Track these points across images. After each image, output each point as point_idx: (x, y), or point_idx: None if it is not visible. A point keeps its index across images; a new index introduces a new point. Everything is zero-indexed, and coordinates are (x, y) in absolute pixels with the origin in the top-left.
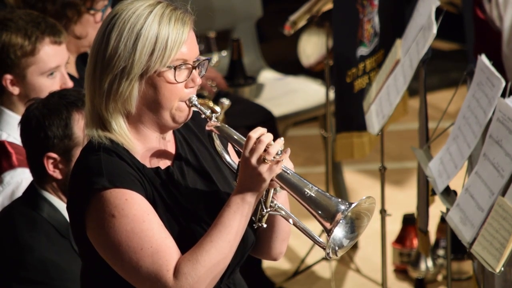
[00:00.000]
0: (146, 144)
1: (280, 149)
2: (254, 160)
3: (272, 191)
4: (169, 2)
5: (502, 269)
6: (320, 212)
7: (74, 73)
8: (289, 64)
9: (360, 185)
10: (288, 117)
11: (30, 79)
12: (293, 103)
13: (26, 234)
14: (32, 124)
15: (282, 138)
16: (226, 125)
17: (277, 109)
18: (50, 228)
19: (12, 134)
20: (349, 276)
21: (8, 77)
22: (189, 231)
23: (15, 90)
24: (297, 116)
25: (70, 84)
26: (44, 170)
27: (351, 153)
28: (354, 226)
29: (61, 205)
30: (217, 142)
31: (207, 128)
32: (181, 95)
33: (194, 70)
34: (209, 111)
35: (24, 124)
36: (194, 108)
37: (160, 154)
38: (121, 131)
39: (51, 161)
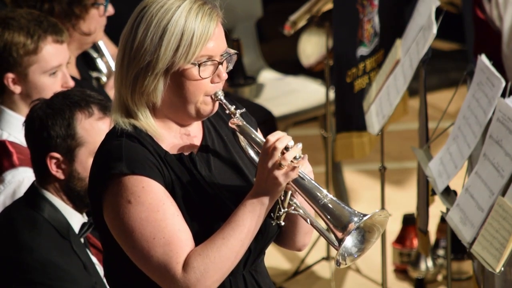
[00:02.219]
0: (172, 133)
1: (298, 154)
2: (270, 164)
3: (290, 192)
4: None
5: (502, 269)
6: (332, 220)
7: (76, 74)
8: (289, 64)
9: (360, 185)
10: (288, 117)
11: (32, 78)
12: (293, 103)
13: (26, 234)
14: (36, 124)
15: (300, 144)
16: (247, 125)
17: (277, 109)
18: (51, 228)
19: (13, 134)
20: (349, 276)
21: (10, 75)
22: (209, 218)
23: (17, 89)
24: (297, 116)
25: (71, 83)
26: (47, 170)
27: (351, 153)
28: (364, 238)
29: (62, 206)
30: (241, 137)
31: (230, 125)
32: (206, 90)
33: (220, 66)
34: (234, 106)
35: (28, 125)
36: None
37: (186, 142)
38: (147, 120)
39: (54, 161)
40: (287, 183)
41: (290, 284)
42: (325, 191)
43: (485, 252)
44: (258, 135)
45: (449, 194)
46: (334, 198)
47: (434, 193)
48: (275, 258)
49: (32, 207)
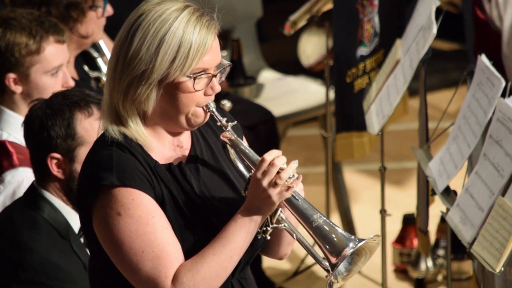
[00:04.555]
0: (161, 142)
1: (293, 173)
2: (265, 183)
3: (280, 209)
4: (196, 7)
5: (502, 269)
6: (326, 244)
7: (74, 75)
8: (289, 64)
9: (360, 185)
10: (288, 117)
11: (33, 78)
12: (293, 103)
13: (26, 234)
14: (35, 125)
15: (296, 162)
16: (240, 140)
17: (277, 109)
18: (51, 228)
19: (13, 134)
20: None
21: (12, 76)
22: (198, 228)
23: (18, 89)
24: (297, 116)
25: (72, 83)
26: (47, 170)
27: (351, 153)
28: (353, 260)
29: (62, 206)
30: (231, 151)
31: (221, 138)
32: (198, 101)
33: (214, 78)
34: (225, 119)
35: (27, 125)
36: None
37: (175, 151)
38: (137, 128)
39: (54, 161)
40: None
41: (290, 284)
42: (318, 212)
43: (485, 252)
44: (251, 150)
45: (449, 194)
46: (328, 220)
47: (434, 193)
48: None
49: (32, 207)
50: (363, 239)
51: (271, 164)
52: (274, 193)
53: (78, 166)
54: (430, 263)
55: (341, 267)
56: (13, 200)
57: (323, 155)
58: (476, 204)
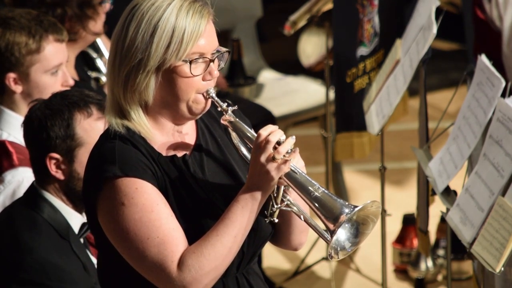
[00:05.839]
0: (165, 133)
1: (290, 148)
2: (263, 158)
3: (283, 187)
4: None
5: (502, 269)
6: (324, 212)
7: (74, 75)
8: (289, 64)
9: (360, 185)
10: (288, 117)
11: (34, 77)
12: (293, 103)
13: (26, 235)
14: (35, 125)
15: (293, 137)
16: (240, 121)
17: (277, 109)
18: (50, 229)
19: (13, 134)
20: (349, 276)
21: (12, 75)
22: (201, 221)
23: (18, 89)
24: (297, 116)
25: (71, 81)
26: (46, 170)
27: (351, 153)
28: (358, 231)
29: (61, 206)
30: (234, 135)
31: (221, 121)
32: (198, 87)
33: (211, 63)
34: (225, 104)
35: (27, 125)
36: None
37: (179, 143)
38: (140, 120)
39: (53, 161)
40: (279, 178)
41: (290, 284)
42: (317, 184)
43: (485, 252)
44: (251, 131)
45: (449, 194)
46: (326, 191)
47: (434, 193)
48: (275, 258)
49: (31, 207)
50: (358, 205)
51: (268, 139)
52: (272, 168)
53: (77, 167)
54: (430, 263)
55: (344, 237)
56: (13, 200)
57: (323, 155)
58: (476, 204)
